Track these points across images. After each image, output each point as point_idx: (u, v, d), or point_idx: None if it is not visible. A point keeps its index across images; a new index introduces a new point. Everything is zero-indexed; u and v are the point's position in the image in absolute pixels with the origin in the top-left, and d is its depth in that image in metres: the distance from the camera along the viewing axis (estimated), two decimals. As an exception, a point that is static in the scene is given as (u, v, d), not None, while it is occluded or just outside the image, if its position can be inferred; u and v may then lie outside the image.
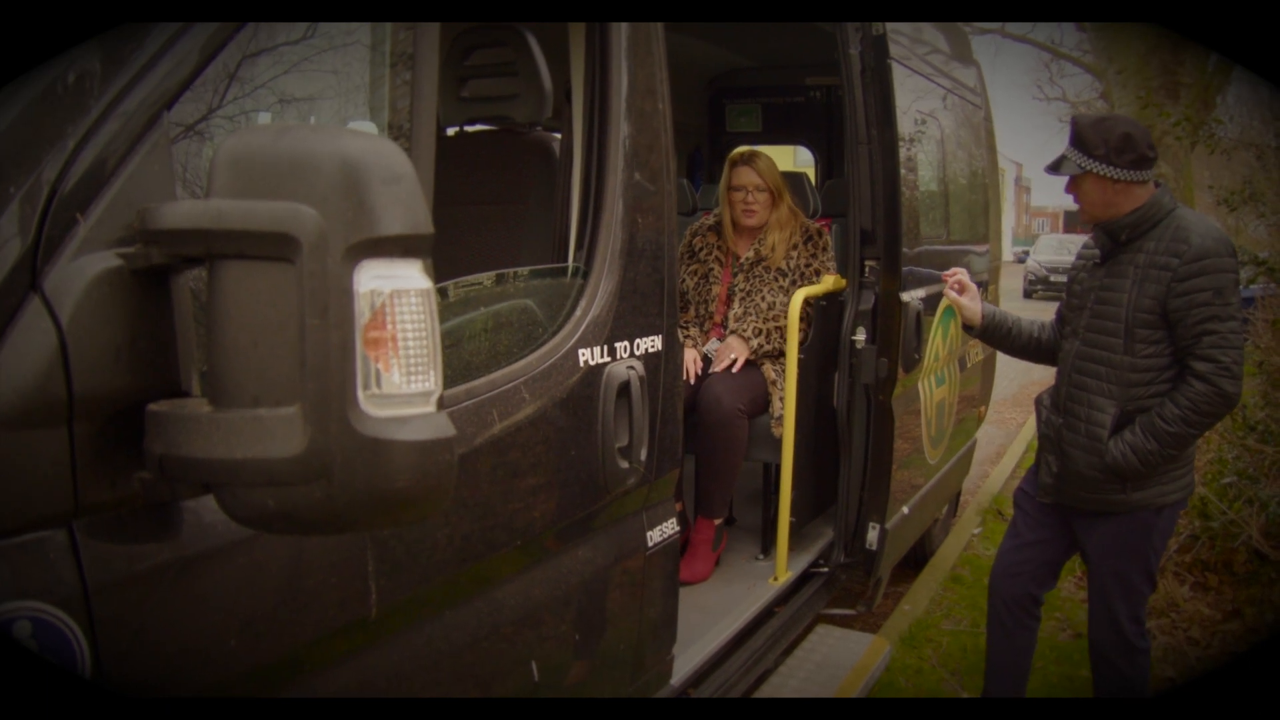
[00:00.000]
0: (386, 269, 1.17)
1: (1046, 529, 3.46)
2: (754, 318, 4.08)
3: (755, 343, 4.01)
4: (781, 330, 3.99)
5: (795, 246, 4.17)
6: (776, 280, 4.13)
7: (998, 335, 3.61)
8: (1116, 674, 3.38)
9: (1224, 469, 5.68)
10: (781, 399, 3.93)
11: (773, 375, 4.02)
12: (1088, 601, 3.47)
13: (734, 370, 3.98)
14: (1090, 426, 3.14)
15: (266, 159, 1.16)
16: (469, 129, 2.95)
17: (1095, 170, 3.05)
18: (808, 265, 4.15)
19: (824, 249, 4.20)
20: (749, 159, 4.22)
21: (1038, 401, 3.49)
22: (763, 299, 4.11)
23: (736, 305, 4.14)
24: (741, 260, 4.19)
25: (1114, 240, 3.14)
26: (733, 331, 4.10)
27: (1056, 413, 3.27)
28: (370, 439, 1.16)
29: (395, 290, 1.17)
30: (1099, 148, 3.03)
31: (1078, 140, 3.09)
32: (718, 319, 4.23)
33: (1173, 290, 2.97)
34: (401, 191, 1.18)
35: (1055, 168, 3.16)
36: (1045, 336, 3.58)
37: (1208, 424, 3.04)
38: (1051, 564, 3.56)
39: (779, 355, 4.02)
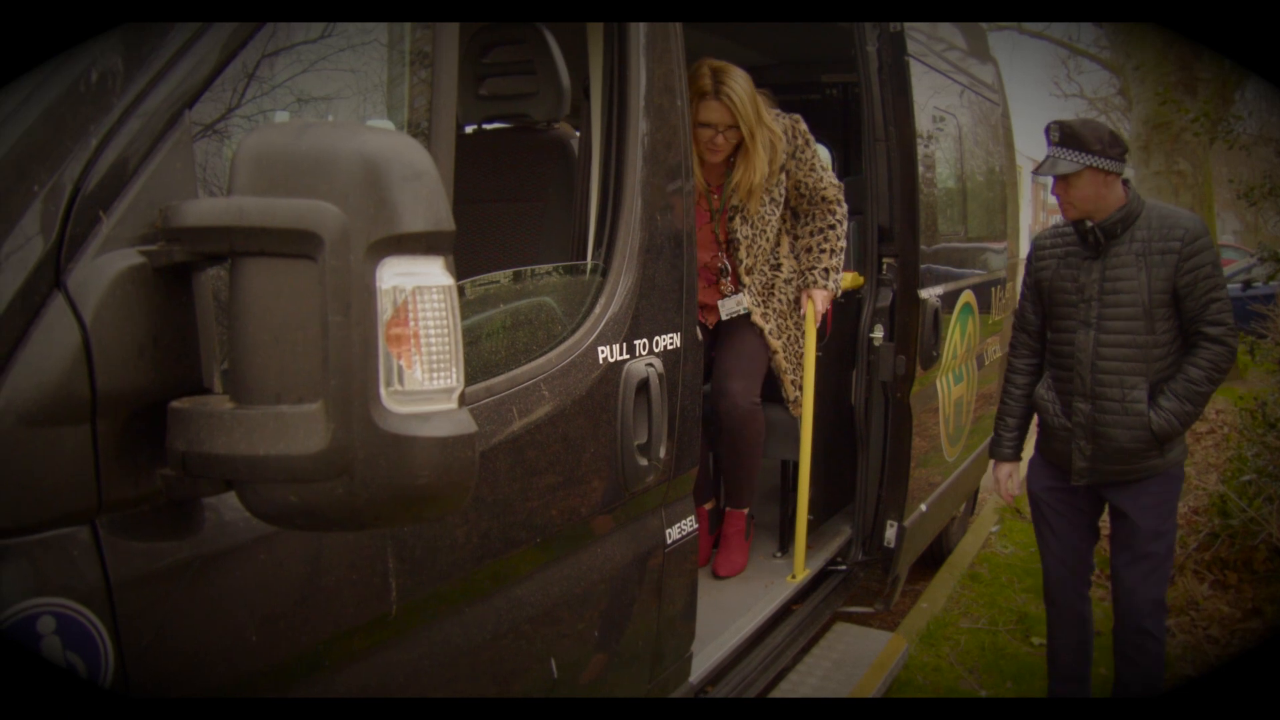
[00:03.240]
0: (409, 266, 1.17)
1: (1081, 514, 3.66)
2: (795, 259, 3.79)
3: (833, 281, 3.77)
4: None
5: (773, 173, 3.65)
6: (770, 213, 3.73)
7: (1025, 432, 3.82)
8: (1145, 652, 3.53)
9: (1244, 466, 5.64)
10: (794, 382, 3.86)
11: (779, 352, 3.81)
12: (1115, 577, 3.59)
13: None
14: (1128, 404, 3.35)
15: (288, 156, 1.16)
16: (486, 127, 2.95)
17: (1095, 165, 3.25)
18: (806, 178, 3.71)
19: (804, 145, 3.71)
20: (717, 88, 3.45)
21: (1038, 398, 3.62)
22: (767, 241, 3.73)
23: (742, 252, 3.69)
24: (724, 207, 3.70)
25: (1107, 236, 3.34)
26: (809, 285, 3.79)
27: (1084, 400, 3.42)
28: (392, 435, 1.16)
29: (417, 287, 1.17)
30: (1095, 144, 3.25)
31: (1070, 139, 3.27)
32: (715, 266, 3.77)
33: (1180, 269, 3.26)
34: (423, 188, 1.18)
35: (1049, 168, 3.31)
36: (1026, 384, 3.70)
37: (1223, 379, 3.34)
38: (1091, 548, 3.76)
39: (794, 342, 3.87)
